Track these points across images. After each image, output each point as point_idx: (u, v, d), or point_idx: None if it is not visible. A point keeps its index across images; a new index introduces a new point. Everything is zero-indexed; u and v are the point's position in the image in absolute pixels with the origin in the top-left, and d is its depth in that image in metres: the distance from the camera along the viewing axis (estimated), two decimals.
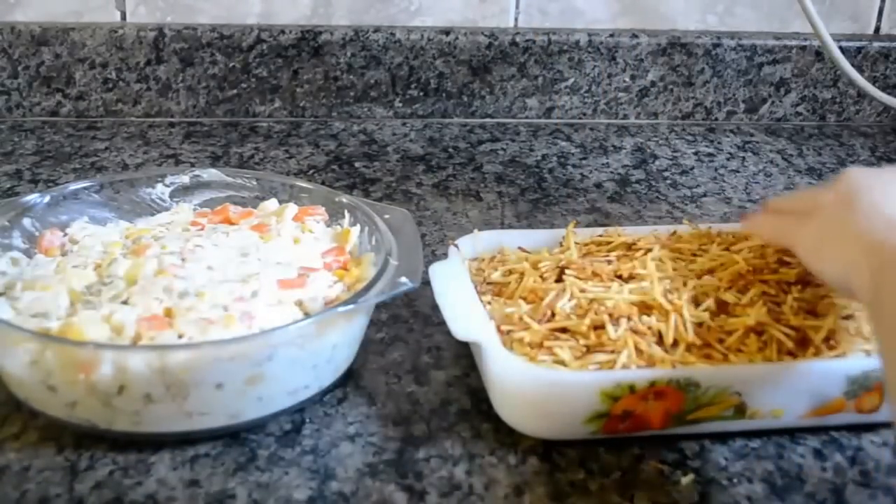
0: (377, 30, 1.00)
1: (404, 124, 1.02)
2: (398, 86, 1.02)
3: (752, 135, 1.05)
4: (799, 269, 0.61)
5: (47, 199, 0.64)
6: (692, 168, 0.94)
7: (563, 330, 0.55)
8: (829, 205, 0.54)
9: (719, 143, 1.02)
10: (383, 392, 0.57)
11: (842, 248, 0.52)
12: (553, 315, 0.56)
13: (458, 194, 0.86)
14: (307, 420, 0.55)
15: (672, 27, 1.06)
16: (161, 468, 0.51)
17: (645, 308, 0.56)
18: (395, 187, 0.87)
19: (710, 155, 0.98)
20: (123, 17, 0.99)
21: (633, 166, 0.94)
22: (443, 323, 0.55)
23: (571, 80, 1.04)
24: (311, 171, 0.90)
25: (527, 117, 1.05)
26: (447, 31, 1.01)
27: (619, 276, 0.59)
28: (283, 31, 0.99)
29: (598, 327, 0.54)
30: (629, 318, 0.55)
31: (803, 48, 1.06)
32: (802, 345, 0.55)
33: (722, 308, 0.56)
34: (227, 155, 0.93)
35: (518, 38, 1.02)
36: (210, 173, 0.70)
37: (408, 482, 0.50)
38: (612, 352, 0.53)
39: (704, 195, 0.88)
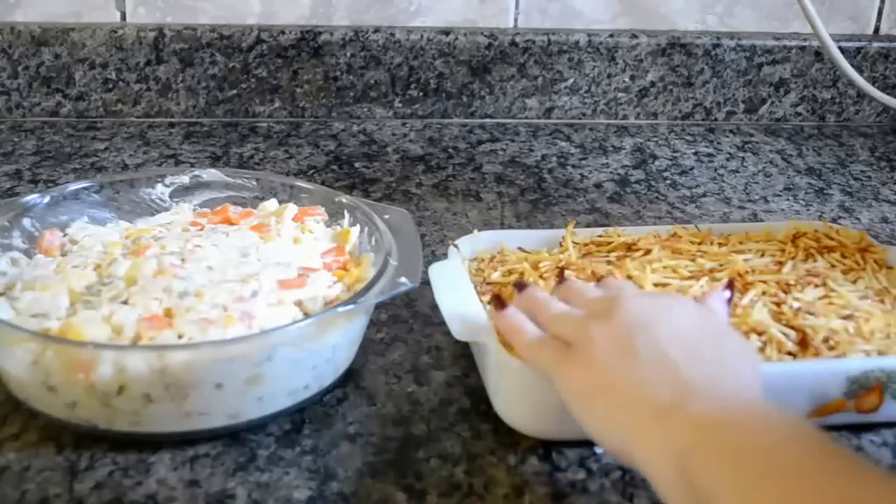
0: (377, 30, 1.00)
1: (404, 124, 1.02)
2: (398, 86, 1.02)
3: (751, 135, 1.05)
4: (798, 271, 0.61)
5: (47, 199, 0.64)
6: (692, 168, 0.95)
7: None
8: (598, 341, 0.46)
9: (719, 143, 1.02)
10: (383, 392, 0.57)
11: (621, 415, 0.43)
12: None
13: (457, 194, 0.86)
14: (307, 420, 0.55)
15: (672, 27, 1.06)
16: (161, 468, 0.51)
17: None
18: (394, 187, 0.87)
19: (709, 155, 0.98)
20: (123, 17, 0.99)
21: (632, 166, 0.94)
22: (443, 323, 0.55)
23: (571, 80, 1.04)
24: (310, 172, 0.90)
25: (526, 117, 1.05)
26: (447, 32, 1.01)
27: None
28: (283, 32, 0.99)
29: None
30: None
31: (803, 48, 1.06)
32: (802, 345, 0.55)
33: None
34: (227, 155, 0.93)
35: (518, 39, 1.02)
36: (210, 173, 0.70)
37: (408, 482, 0.50)
38: None
39: (704, 195, 0.88)
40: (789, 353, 0.54)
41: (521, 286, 0.54)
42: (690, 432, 0.41)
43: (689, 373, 0.43)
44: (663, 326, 0.46)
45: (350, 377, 0.58)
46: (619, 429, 0.44)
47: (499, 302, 0.53)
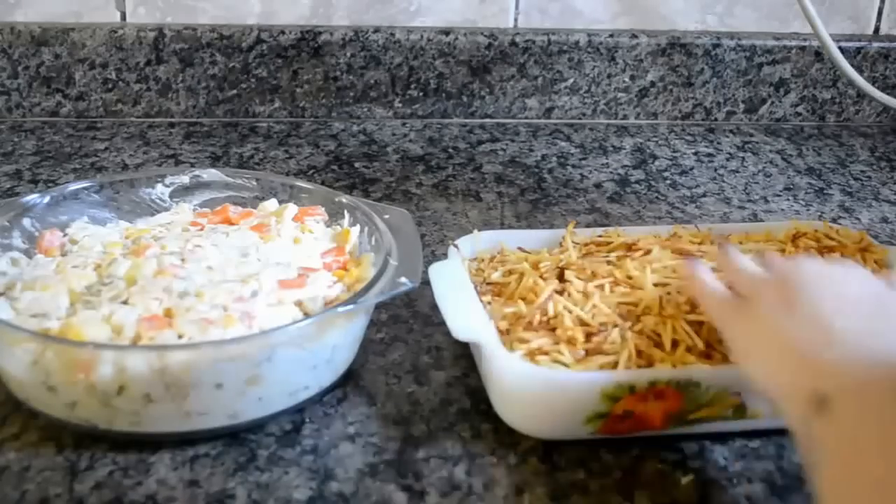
0: (377, 30, 1.00)
1: (404, 124, 1.02)
2: (398, 86, 1.02)
3: (751, 135, 1.05)
4: None
5: (47, 199, 0.64)
6: (692, 168, 0.94)
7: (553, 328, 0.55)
8: (766, 296, 0.48)
9: (719, 143, 1.02)
10: (383, 392, 0.57)
11: (772, 358, 0.46)
12: (545, 319, 0.56)
13: (457, 194, 0.86)
14: (307, 420, 0.55)
15: (672, 27, 1.06)
16: (161, 468, 0.51)
17: (644, 310, 0.56)
18: (394, 187, 0.87)
19: (709, 155, 0.98)
20: (123, 17, 0.99)
21: (632, 166, 0.94)
22: (443, 323, 0.55)
23: (571, 80, 1.04)
24: (310, 172, 0.90)
25: (526, 117, 1.05)
26: (447, 32, 1.01)
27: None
28: (282, 32, 0.99)
29: (593, 334, 0.55)
30: (624, 321, 0.55)
31: (803, 48, 1.06)
32: None
33: None
34: (227, 155, 0.93)
35: (518, 39, 1.02)
36: (210, 173, 0.70)
37: (408, 482, 0.50)
38: (612, 353, 0.53)
39: (704, 195, 0.88)
40: None
41: (720, 244, 0.57)
42: (823, 380, 0.42)
43: (839, 325, 0.44)
44: (828, 287, 0.47)
45: (350, 377, 0.58)
46: (768, 375, 0.46)
47: (688, 259, 0.56)
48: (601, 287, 0.58)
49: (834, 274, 0.49)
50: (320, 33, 0.99)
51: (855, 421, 0.39)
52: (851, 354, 0.43)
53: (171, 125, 0.99)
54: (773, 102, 1.08)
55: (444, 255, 0.66)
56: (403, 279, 0.56)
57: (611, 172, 0.92)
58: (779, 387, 0.45)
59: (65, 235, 0.63)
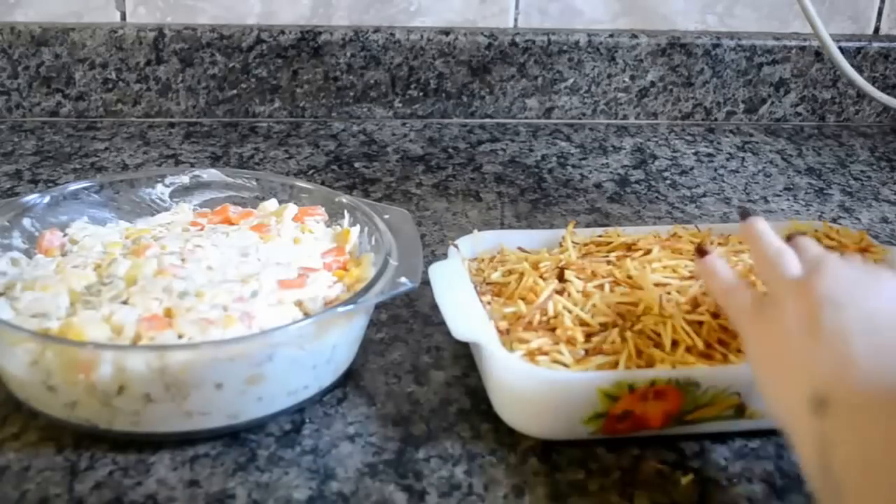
0: (377, 30, 1.00)
1: (404, 124, 1.02)
2: (398, 86, 1.02)
3: (751, 135, 1.05)
4: None
5: (47, 199, 0.64)
6: (692, 168, 0.95)
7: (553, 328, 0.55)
8: (789, 307, 0.46)
9: (719, 143, 1.02)
10: (383, 392, 0.57)
11: (784, 381, 0.44)
12: (545, 318, 0.56)
13: (457, 194, 0.86)
14: (307, 420, 0.55)
15: (672, 27, 1.06)
16: (161, 468, 0.51)
17: (644, 310, 0.56)
18: (394, 187, 0.87)
19: (709, 155, 0.98)
20: (123, 17, 0.99)
21: (632, 166, 0.94)
22: (443, 323, 0.55)
23: (571, 80, 1.04)
24: (310, 172, 0.90)
25: (526, 117, 1.05)
26: (447, 32, 1.01)
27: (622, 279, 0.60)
28: (282, 32, 0.99)
29: (593, 334, 0.55)
30: (624, 321, 0.55)
31: (803, 48, 1.06)
32: None
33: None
34: (227, 155, 0.93)
35: (518, 39, 1.02)
36: (210, 173, 0.70)
37: (407, 482, 0.50)
38: (612, 353, 0.53)
39: (704, 195, 0.88)
40: None
41: (744, 214, 0.55)
42: (838, 416, 0.40)
43: (862, 353, 0.42)
44: (854, 307, 0.44)
45: (350, 377, 0.58)
46: (781, 400, 0.44)
47: (701, 252, 0.55)
48: (601, 287, 0.58)
49: (861, 288, 0.46)
50: (320, 33, 0.99)
51: (860, 415, 0.39)
52: (866, 390, 0.41)
53: (171, 125, 0.99)
54: (773, 102, 1.08)
55: (444, 255, 0.66)
56: (403, 279, 0.56)
57: (611, 172, 0.92)
58: (790, 422, 0.43)
59: (65, 235, 0.63)
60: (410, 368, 0.60)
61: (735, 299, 0.50)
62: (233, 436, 0.53)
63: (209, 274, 0.57)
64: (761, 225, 0.53)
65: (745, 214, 0.55)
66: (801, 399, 0.42)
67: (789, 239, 0.54)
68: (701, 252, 0.55)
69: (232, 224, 0.65)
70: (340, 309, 0.53)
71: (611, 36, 1.03)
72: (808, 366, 0.43)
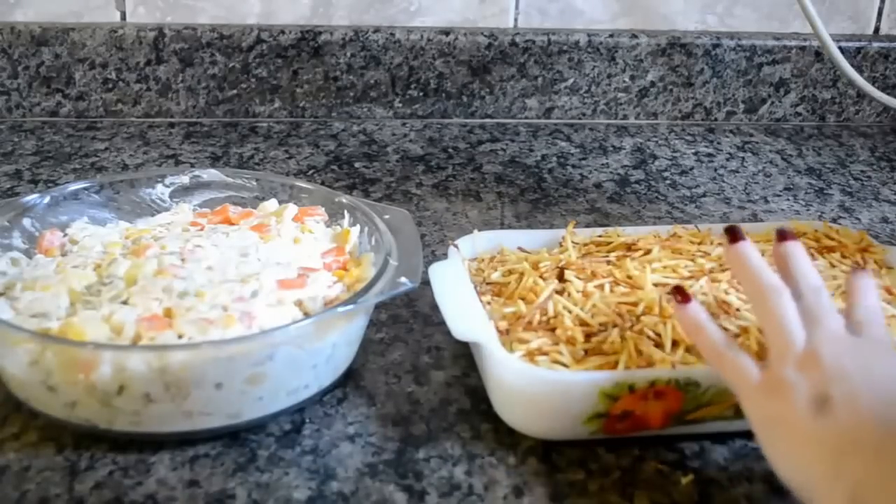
0: (377, 30, 1.00)
1: (404, 124, 1.02)
2: (398, 86, 1.02)
3: (751, 135, 1.05)
4: None
5: (47, 199, 0.64)
6: (692, 168, 0.95)
7: (553, 328, 0.55)
8: (794, 390, 0.44)
9: (719, 143, 1.02)
10: (383, 392, 0.57)
11: (800, 448, 0.43)
12: (545, 318, 0.56)
13: (457, 194, 0.86)
14: (307, 420, 0.55)
15: (672, 27, 1.06)
16: (161, 468, 0.51)
17: (644, 310, 0.56)
18: (394, 187, 0.87)
19: (709, 155, 0.98)
20: (123, 17, 0.99)
21: (632, 166, 0.94)
22: (443, 323, 0.55)
23: (571, 80, 1.04)
24: (310, 172, 0.90)
25: (526, 118, 1.05)
26: (447, 32, 1.01)
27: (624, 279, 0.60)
28: (283, 31, 0.99)
29: (592, 334, 0.55)
30: (624, 321, 0.55)
31: (803, 48, 1.06)
32: None
33: (723, 309, 0.56)
34: (227, 155, 0.93)
35: (518, 39, 1.02)
36: (210, 173, 0.70)
37: (407, 482, 0.50)
38: (612, 353, 0.53)
39: (704, 195, 0.88)
40: None
41: (733, 235, 0.51)
42: (866, 463, 0.40)
43: (882, 415, 0.42)
44: (864, 380, 0.44)
45: (350, 377, 0.58)
46: (800, 469, 0.43)
47: (681, 294, 0.51)
48: (601, 287, 0.58)
49: (868, 363, 0.45)
50: (320, 33, 0.99)
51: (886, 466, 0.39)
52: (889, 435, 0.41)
53: (171, 125, 0.99)
54: (773, 102, 1.08)
55: (444, 255, 0.66)
56: (403, 279, 0.56)
57: (611, 172, 0.92)
58: (817, 488, 0.42)
59: (65, 235, 0.63)
60: (410, 368, 0.60)
61: (735, 371, 0.48)
62: (233, 436, 0.53)
63: (209, 274, 0.57)
64: (747, 251, 0.51)
65: (733, 237, 0.52)
66: (823, 454, 0.42)
67: (781, 238, 0.52)
68: (682, 296, 0.51)
69: (232, 224, 0.65)
70: (340, 309, 0.53)
71: (611, 36, 1.03)
72: (825, 429, 0.43)
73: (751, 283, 0.50)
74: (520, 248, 0.65)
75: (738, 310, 0.56)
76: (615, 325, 0.55)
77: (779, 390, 0.45)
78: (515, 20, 1.04)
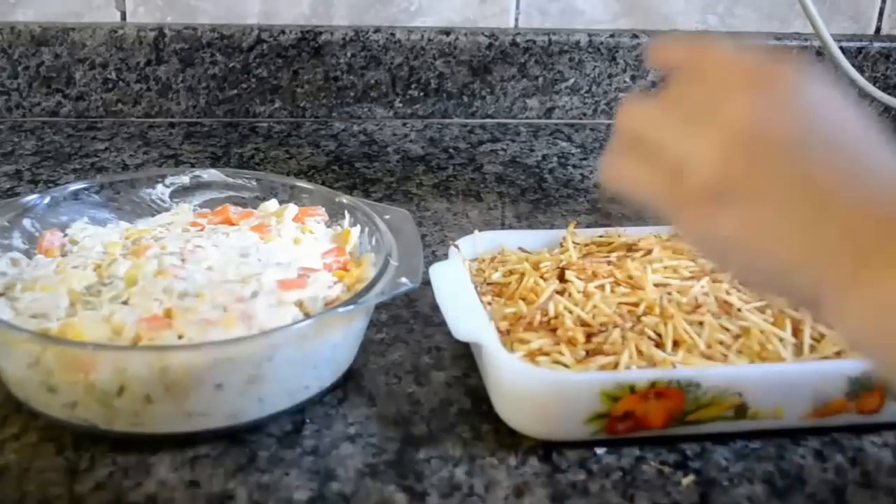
0: (377, 30, 1.00)
1: (404, 124, 1.02)
2: (398, 86, 1.02)
3: None
4: None
5: (47, 199, 0.64)
6: None
7: (554, 329, 0.55)
8: (770, 136, 0.37)
9: None
10: (383, 392, 0.57)
11: (804, 225, 0.37)
12: (546, 319, 0.56)
13: (458, 195, 0.86)
14: (307, 420, 0.55)
15: (672, 27, 1.06)
16: (161, 469, 0.51)
17: (645, 311, 0.56)
18: (395, 188, 0.87)
19: None
20: (123, 17, 0.99)
21: None
22: (443, 323, 0.55)
23: (572, 80, 1.04)
24: (311, 172, 0.89)
25: (527, 118, 1.05)
26: (447, 32, 1.01)
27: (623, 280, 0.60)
28: (283, 32, 0.99)
29: (593, 335, 0.55)
30: (625, 321, 0.55)
31: (803, 48, 1.06)
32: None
33: (724, 309, 0.56)
34: (228, 155, 0.92)
35: (518, 39, 1.02)
36: (210, 174, 0.70)
37: (408, 483, 0.50)
38: (613, 354, 0.53)
39: None
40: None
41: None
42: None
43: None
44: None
45: (350, 377, 0.58)
46: (810, 256, 0.37)
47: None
48: (602, 287, 0.58)
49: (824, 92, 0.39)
50: (320, 33, 0.99)
51: None
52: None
53: (172, 125, 0.99)
54: None
55: (445, 256, 0.66)
56: (404, 279, 0.56)
57: None
58: (817, 261, 0.37)
59: (65, 236, 0.63)
60: (411, 369, 0.60)
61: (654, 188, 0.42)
62: (233, 436, 0.53)
63: (209, 274, 0.57)
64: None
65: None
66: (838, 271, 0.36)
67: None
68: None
69: (232, 224, 0.65)
70: (341, 309, 0.53)
71: (611, 36, 1.03)
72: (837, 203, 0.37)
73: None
74: (520, 249, 0.65)
75: (739, 310, 0.56)
76: (616, 326, 0.55)
77: (720, 128, 0.40)
78: (516, 20, 1.04)
